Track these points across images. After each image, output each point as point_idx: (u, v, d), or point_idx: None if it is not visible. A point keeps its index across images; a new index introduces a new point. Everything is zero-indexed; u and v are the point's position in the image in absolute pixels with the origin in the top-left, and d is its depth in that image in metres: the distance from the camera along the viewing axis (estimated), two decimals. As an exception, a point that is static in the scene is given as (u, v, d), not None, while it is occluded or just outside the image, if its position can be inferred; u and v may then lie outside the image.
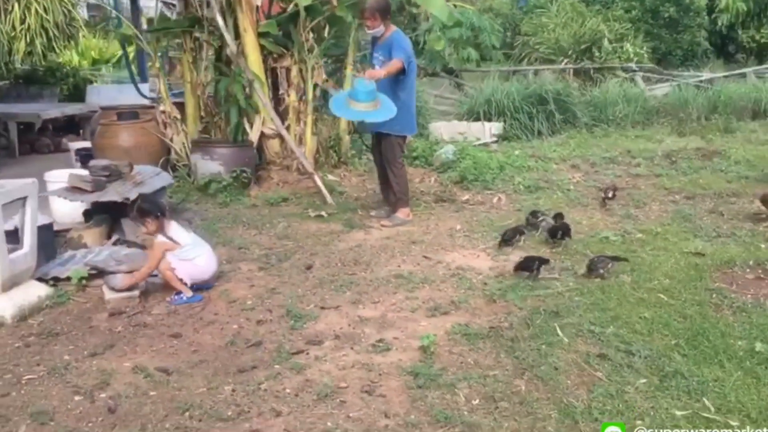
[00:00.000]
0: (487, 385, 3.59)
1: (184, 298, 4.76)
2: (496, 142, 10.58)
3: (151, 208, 4.82)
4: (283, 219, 6.69)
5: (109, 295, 4.73)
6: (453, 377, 3.66)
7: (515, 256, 5.52)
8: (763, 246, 5.53)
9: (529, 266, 4.92)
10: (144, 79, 11.86)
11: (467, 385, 3.59)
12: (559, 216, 6.13)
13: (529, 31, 19.88)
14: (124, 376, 3.79)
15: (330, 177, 7.84)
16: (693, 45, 19.68)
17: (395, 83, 6.27)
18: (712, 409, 3.30)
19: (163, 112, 8.19)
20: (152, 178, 6.24)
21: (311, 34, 7.92)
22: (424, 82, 13.91)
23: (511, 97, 11.21)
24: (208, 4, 7.55)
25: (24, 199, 4.67)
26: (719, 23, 20.18)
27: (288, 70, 7.98)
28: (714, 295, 4.60)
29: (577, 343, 4.01)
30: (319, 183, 7.17)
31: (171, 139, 8.16)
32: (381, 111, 6.06)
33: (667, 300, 4.54)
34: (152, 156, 7.46)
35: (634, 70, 15.95)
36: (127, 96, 10.67)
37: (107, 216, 5.88)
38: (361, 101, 5.97)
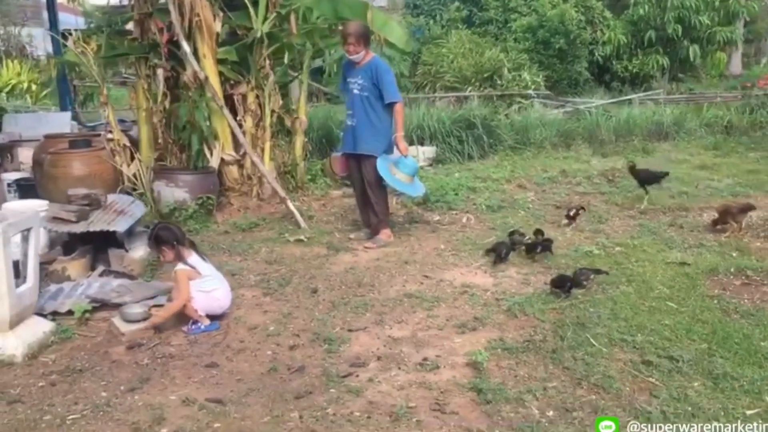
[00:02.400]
0: (553, 396, 3.65)
1: (202, 327, 4.59)
2: (431, 165, 10.78)
3: (169, 236, 4.61)
4: (262, 244, 6.56)
5: (124, 327, 4.48)
6: (516, 391, 3.70)
7: (511, 272, 5.69)
8: (734, 254, 5.92)
9: (562, 285, 5.05)
10: (64, 108, 11.28)
11: (534, 397, 3.63)
12: (539, 232, 6.35)
13: (429, 61, 20.48)
14: (176, 410, 3.60)
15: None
16: (577, 74, 21.00)
17: (382, 107, 6.32)
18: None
19: (111, 140, 7.82)
20: (130, 206, 5.98)
21: (267, 61, 7.83)
22: (337, 108, 13.78)
23: (441, 121, 11.47)
24: (169, 29, 7.33)
25: (28, 230, 4.36)
26: (596, 54, 21.65)
27: (244, 96, 7.84)
28: (716, 301, 4.88)
29: (616, 351, 4.15)
30: (293, 208, 7.08)
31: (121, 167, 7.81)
32: (415, 186, 6.83)
33: (677, 308, 4.77)
34: (107, 184, 7.06)
35: (533, 97, 16.79)
36: (48, 125, 10.07)
37: (90, 247, 5.57)
38: (406, 174, 6.61)
